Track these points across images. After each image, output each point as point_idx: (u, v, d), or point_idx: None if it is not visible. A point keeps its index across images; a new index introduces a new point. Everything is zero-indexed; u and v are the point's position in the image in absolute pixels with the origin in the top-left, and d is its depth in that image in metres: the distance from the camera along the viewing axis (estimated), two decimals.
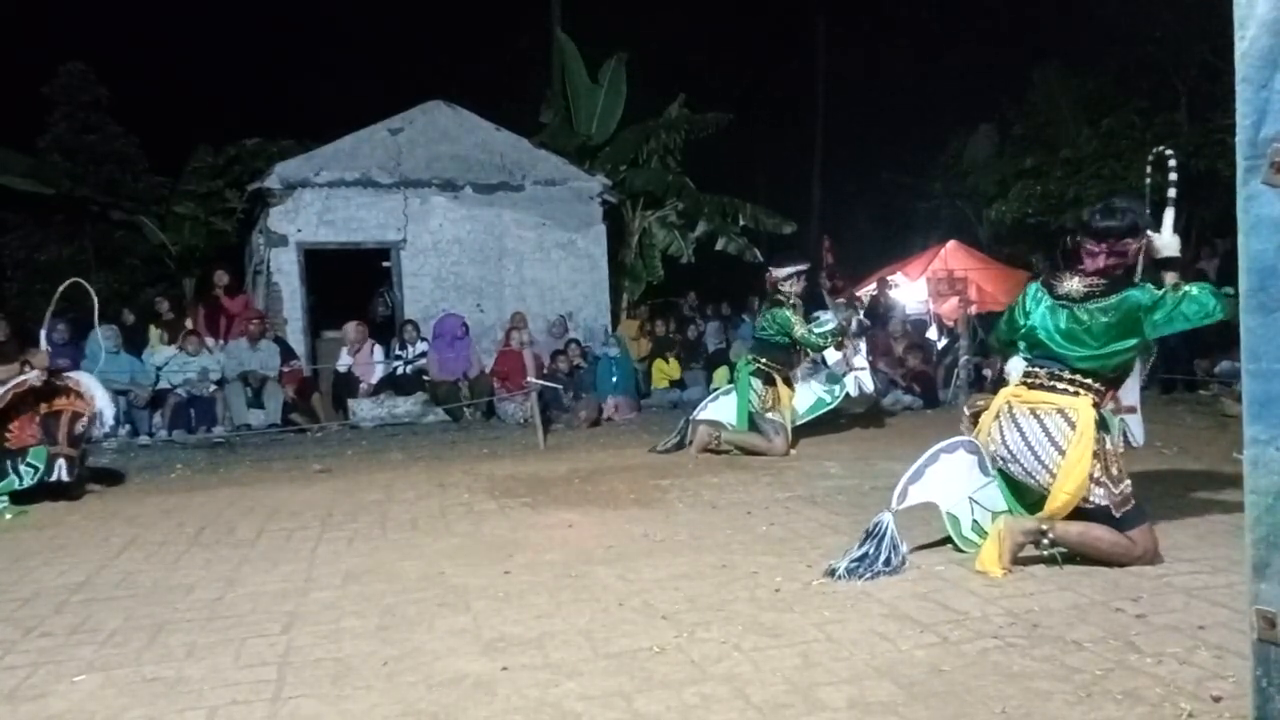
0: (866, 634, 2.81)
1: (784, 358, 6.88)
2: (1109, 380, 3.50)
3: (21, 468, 5.59)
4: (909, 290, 15.49)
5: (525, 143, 12.31)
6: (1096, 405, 3.43)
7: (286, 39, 20.56)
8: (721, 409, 7.08)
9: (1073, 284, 3.52)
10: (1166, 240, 3.51)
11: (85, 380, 6.07)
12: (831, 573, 3.39)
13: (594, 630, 2.94)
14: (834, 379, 7.19)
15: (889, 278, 15.05)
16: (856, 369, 7.13)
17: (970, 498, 3.66)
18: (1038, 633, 2.76)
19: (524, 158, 12.07)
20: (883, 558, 3.39)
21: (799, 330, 6.71)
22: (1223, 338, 8.81)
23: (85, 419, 5.82)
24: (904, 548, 3.47)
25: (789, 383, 6.89)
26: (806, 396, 7.15)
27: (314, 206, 11.15)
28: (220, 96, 18.65)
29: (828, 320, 7.15)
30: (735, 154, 19.31)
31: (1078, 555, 3.39)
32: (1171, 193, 3.56)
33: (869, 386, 7.20)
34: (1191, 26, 13.21)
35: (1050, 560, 3.40)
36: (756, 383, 6.73)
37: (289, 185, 11.07)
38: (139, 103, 15.54)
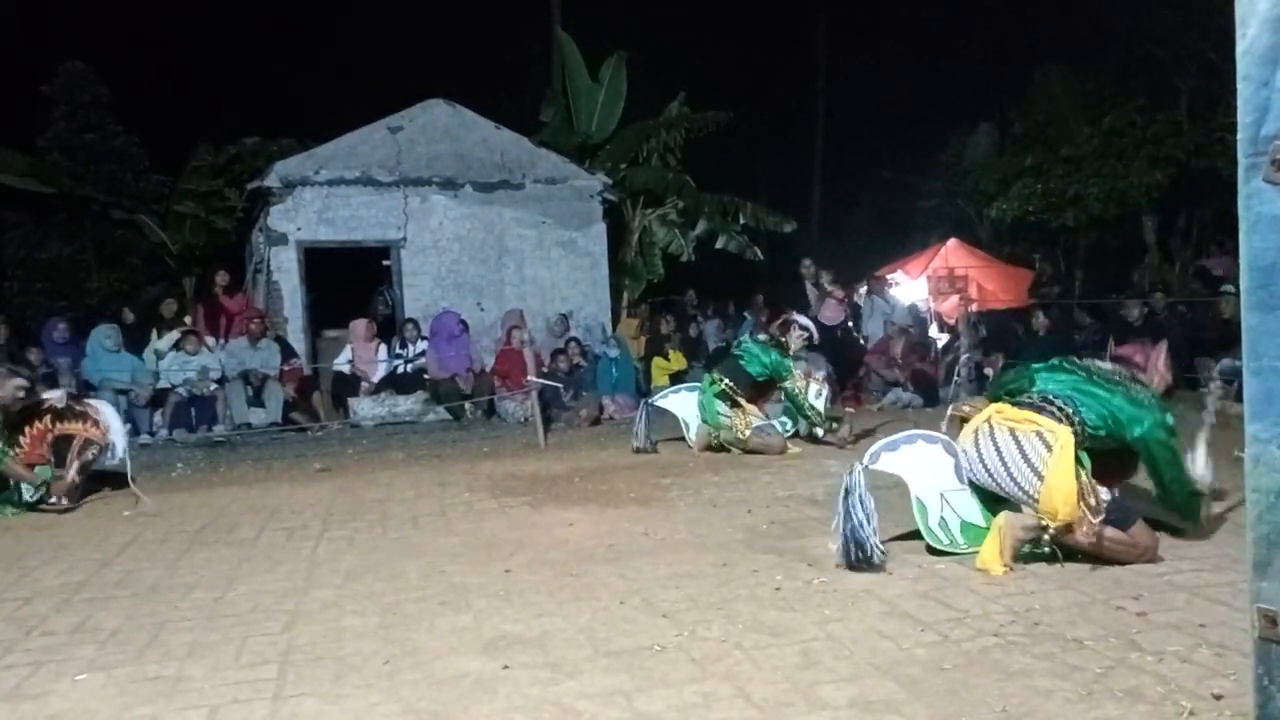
0: (867, 632, 2.81)
1: (751, 391, 6.91)
2: (1091, 438, 3.46)
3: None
4: (909, 289, 15.47)
5: (525, 141, 12.30)
6: (1077, 436, 3.40)
7: (286, 39, 20.56)
8: (682, 403, 7.20)
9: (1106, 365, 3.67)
10: (1198, 473, 3.70)
11: (105, 410, 6.15)
12: (841, 558, 3.42)
13: (595, 629, 2.94)
14: (790, 415, 7.22)
15: (887, 276, 15.03)
16: (815, 424, 7.10)
17: (942, 494, 3.68)
18: (1038, 631, 2.76)
19: (524, 156, 12.06)
20: (856, 515, 3.38)
21: (793, 385, 6.79)
22: (1223, 337, 8.83)
23: (96, 447, 5.84)
24: (871, 501, 3.44)
25: (752, 400, 6.93)
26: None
27: (314, 205, 11.14)
28: (220, 96, 18.64)
29: (823, 389, 7.16)
30: (735, 153, 19.29)
31: (1078, 553, 3.39)
32: (1206, 430, 3.88)
33: (820, 433, 7.19)
34: (1192, 25, 13.21)
35: (1051, 558, 3.40)
36: (722, 405, 6.78)
37: (289, 184, 11.06)
38: (139, 102, 15.52)
